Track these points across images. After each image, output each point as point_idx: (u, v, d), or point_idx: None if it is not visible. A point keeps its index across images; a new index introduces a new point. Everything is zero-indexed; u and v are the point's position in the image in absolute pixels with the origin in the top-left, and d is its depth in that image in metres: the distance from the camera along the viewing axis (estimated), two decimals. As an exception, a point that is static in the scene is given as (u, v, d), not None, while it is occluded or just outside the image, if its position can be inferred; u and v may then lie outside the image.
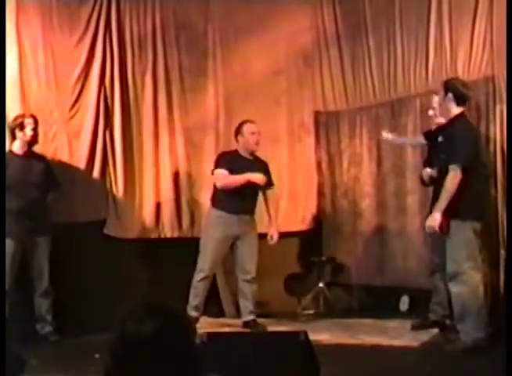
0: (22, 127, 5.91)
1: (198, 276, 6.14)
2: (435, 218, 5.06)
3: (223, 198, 6.17)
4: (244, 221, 6.19)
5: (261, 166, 6.29)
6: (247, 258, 6.20)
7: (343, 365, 4.76)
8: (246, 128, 6.24)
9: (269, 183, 6.35)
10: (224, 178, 6.13)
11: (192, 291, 6.12)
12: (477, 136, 5.44)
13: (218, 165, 6.19)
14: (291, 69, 7.31)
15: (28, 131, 5.91)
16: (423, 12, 6.34)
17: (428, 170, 5.64)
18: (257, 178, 6.10)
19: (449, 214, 5.05)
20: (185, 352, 1.75)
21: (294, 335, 3.43)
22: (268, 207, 6.37)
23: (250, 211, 6.24)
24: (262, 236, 6.42)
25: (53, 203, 6.15)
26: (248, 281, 6.20)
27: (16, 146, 5.97)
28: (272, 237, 6.30)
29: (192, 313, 6.02)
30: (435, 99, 5.67)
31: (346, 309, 6.83)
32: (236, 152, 6.29)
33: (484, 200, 5.39)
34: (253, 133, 6.21)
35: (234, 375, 2.96)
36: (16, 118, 5.98)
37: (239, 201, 6.12)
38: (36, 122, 5.97)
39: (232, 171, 6.10)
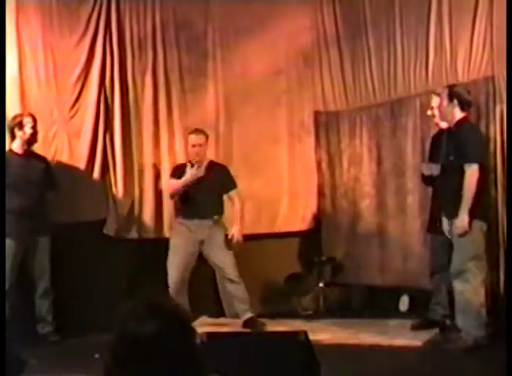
0: (21, 126, 5.92)
1: (169, 282, 6.15)
2: (464, 219, 5.04)
3: (182, 206, 6.27)
4: (206, 226, 6.21)
5: (215, 172, 6.27)
6: (222, 260, 6.20)
7: (343, 365, 4.76)
8: (189, 139, 6.35)
9: (231, 185, 6.32)
10: (168, 186, 6.42)
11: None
12: (484, 137, 5.50)
13: (170, 176, 6.42)
14: (291, 69, 7.31)
15: (27, 130, 5.91)
16: (423, 12, 6.34)
17: (428, 165, 5.64)
18: (190, 176, 6.16)
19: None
20: (185, 352, 1.74)
21: (294, 335, 3.43)
22: (233, 207, 6.34)
23: (211, 215, 6.24)
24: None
25: (52, 202, 6.15)
26: (231, 282, 6.19)
27: (15, 146, 5.98)
28: (232, 237, 6.23)
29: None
30: (435, 99, 5.68)
31: (346, 309, 6.82)
32: (189, 161, 6.37)
33: (490, 201, 5.43)
34: (193, 146, 6.27)
35: (234, 375, 2.96)
36: (14, 117, 5.99)
37: (197, 207, 6.18)
38: (35, 121, 5.98)
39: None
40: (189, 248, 6.22)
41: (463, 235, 5.07)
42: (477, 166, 5.05)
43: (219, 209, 6.33)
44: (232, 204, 6.39)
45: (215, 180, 6.24)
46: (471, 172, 5.05)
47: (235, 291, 6.21)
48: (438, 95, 5.54)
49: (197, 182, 6.19)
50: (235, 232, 6.25)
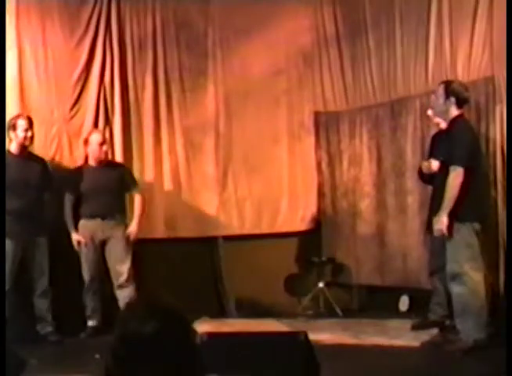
0: (14, 128, 5.91)
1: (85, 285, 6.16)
2: (442, 221, 5.02)
3: (84, 206, 6.21)
4: (108, 226, 6.17)
5: (115, 172, 6.25)
6: (117, 260, 6.15)
7: (343, 365, 4.76)
8: (93, 138, 6.27)
9: (132, 185, 6.32)
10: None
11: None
12: (477, 137, 5.45)
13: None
14: (291, 69, 7.31)
15: (19, 133, 5.89)
16: (423, 13, 6.34)
17: (427, 162, 5.63)
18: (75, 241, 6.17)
19: (451, 215, 5.04)
20: (185, 352, 1.75)
21: (294, 335, 3.43)
22: (133, 208, 6.32)
23: (112, 215, 6.19)
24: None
25: (51, 203, 6.14)
26: (121, 286, 6.10)
27: (12, 147, 5.98)
28: (129, 235, 6.21)
29: (89, 323, 6.07)
30: (433, 99, 5.66)
31: (346, 309, 6.82)
32: (85, 163, 6.35)
33: (484, 201, 5.40)
34: (99, 144, 6.22)
35: (234, 375, 2.96)
36: (10, 119, 5.98)
37: (98, 207, 6.15)
38: (30, 123, 5.95)
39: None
40: (92, 248, 6.16)
41: (444, 236, 5.06)
42: (461, 169, 5.02)
43: (121, 208, 6.26)
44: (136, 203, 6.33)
45: (115, 179, 6.20)
46: (454, 175, 5.03)
47: (122, 297, 6.04)
48: (438, 95, 5.53)
49: (95, 183, 6.18)
50: (130, 231, 6.23)
